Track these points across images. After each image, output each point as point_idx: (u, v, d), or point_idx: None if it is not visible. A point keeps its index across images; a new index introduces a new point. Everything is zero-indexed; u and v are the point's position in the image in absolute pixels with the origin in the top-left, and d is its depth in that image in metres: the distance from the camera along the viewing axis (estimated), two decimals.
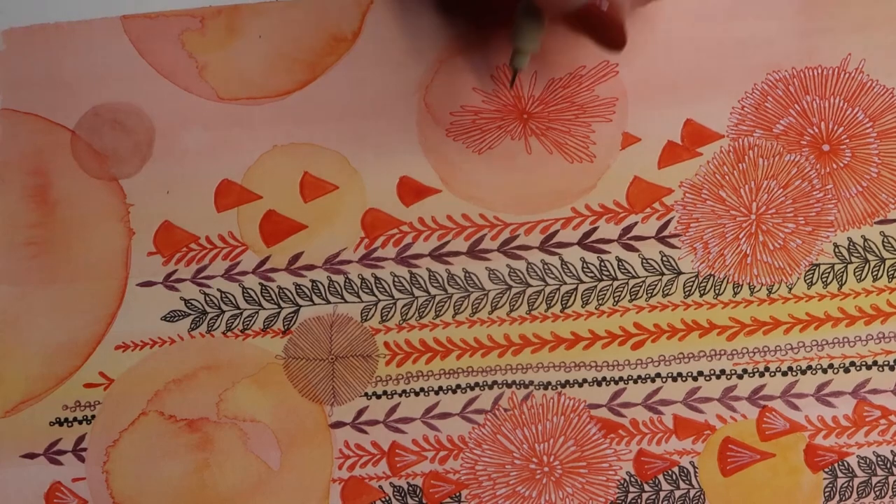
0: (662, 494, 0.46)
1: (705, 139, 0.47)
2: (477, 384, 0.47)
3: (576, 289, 0.47)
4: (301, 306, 0.48)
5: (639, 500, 0.46)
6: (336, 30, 0.48)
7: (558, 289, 0.47)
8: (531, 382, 0.47)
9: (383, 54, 0.48)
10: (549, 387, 0.47)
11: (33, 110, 0.49)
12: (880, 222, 0.46)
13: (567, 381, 0.47)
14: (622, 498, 0.46)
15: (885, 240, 0.46)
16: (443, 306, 0.47)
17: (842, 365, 0.46)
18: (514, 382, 0.47)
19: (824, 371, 0.46)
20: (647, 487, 0.46)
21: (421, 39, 0.48)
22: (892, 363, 0.46)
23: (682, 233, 0.47)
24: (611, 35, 0.41)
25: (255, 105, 0.48)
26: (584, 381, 0.47)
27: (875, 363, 0.46)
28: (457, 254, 0.47)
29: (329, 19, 0.48)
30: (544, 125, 0.47)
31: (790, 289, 0.46)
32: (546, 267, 0.47)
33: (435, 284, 0.47)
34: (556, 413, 0.47)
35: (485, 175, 0.47)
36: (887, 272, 0.46)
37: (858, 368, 0.46)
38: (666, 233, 0.47)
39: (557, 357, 0.47)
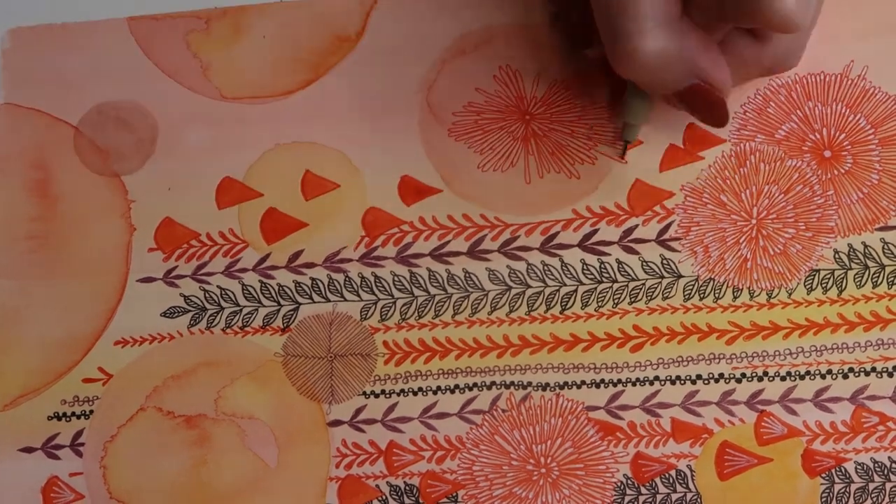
0: (659, 498, 0.46)
1: (707, 143, 0.47)
2: (475, 384, 0.47)
3: (575, 290, 0.47)
4: (301, 304, 0.48)
5: None
6: (340, 30, 0.48)
7: (558, 290, 0.47)
8: (529, 383, 0.47)
9: (387, 54, 0.48)
10: (548, 388, 0.47)
11: (37, 106, 0.49)
12: (881, 229, 0.46)
13: (565, 383, 0.47)
14: (619, 501, 0.46)
15: (886, 246, 0.46)
16: (442, 306, 0.47)
17: (840, 371, 0.46)
18: (512, 383, 0.47)
19: (823, 377, 0.46)
20: (643, 490, 0.46)
21: (424, 40, 0.48)
22: (890, 370, 0.46)
23: (683, 236, 0.47)
24: (714, 112, 0.41)
25: (259, 104, 0.48)
26: (583, 382, 0.47)
27: (874, 370, 0.46)
28: (457, 254, 0.47)
29: (333, 19, 0.48)
30: (546, 126, 0.47)
31: (790, 294, 0.46)
32: (546, 268, 0.47)
33: (435, 284, 0.47)
34: (553, 415, 0.47)
35: (486, 175, 0.47)
36: (887, 279, 0.46)
37: (857, 374, 0.46)
38: (666, 236, 0.47)
39: (556, 358, 0.47)
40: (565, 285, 0.47)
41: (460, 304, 0.47)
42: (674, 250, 0.47)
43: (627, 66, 0.40)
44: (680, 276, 0.47)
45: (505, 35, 0.47)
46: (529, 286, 0.47)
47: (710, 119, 0.42)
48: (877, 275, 0.46)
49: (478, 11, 0.48)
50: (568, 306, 0.47)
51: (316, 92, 0.48)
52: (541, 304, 0.47)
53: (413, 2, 0.48)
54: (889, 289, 0.46)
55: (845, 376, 0.46)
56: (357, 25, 0.48)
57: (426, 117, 0.48)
